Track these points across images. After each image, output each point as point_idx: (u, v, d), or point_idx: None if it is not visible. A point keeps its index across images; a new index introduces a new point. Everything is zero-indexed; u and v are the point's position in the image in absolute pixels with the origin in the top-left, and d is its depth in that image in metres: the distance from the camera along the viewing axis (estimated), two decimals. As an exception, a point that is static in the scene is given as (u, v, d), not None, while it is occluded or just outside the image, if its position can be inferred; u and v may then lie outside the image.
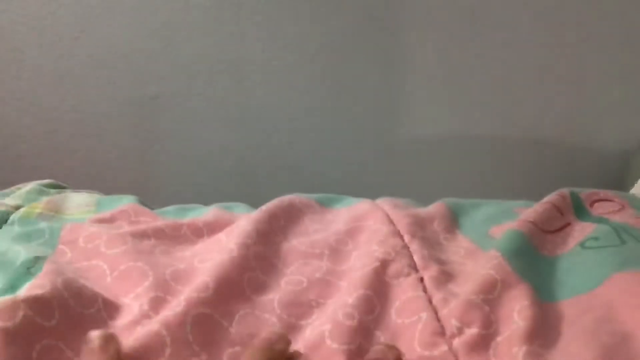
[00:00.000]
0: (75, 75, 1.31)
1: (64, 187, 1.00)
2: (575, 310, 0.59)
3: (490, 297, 0.60)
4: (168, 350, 0.53)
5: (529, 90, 1.33)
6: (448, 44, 1.30)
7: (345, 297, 0.63)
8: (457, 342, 0.56)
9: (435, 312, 0.60)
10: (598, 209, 0.84)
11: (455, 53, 1.31)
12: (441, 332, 0.57)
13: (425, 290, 0.64)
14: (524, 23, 1.29)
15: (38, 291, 0.55)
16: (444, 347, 0.55)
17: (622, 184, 1.35)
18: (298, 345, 0.57)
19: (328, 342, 0.56)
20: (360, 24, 1.30)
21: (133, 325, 0.58)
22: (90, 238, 0.73)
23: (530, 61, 1.31)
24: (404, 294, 0.64)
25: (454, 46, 1.31)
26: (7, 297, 0.53)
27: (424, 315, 0.59)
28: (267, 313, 0.62)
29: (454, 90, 1.34)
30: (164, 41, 1.30)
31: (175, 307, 0.58)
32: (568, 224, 0.79)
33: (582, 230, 0.76)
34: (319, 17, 1.29)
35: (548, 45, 1.30)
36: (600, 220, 0.78)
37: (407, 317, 0.60)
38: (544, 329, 0.56)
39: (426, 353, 0.55)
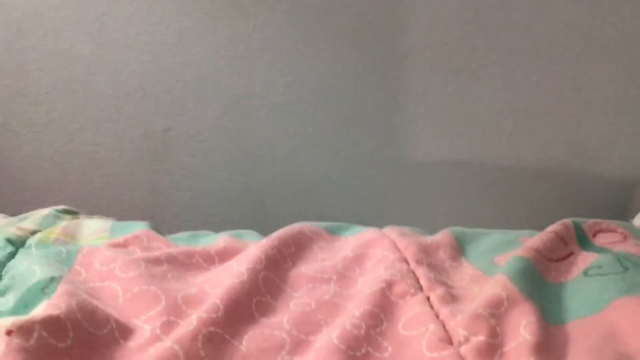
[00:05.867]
0: (89, 110, 1.36)
1: (77, 213, 1.02)
2: (580, 332, 0.60)
3: (497, 311, 0.62)
4: (182, 364, 0.54)
5: (533, 119, 1.36)
6: (452, 74, 1.34)
7: (352, 312, 0.65)
8: (464, 348, 0.57)
9: (443, 325, 0.61)
10: (601, 239, 0.85)
11: (460, 84, 1.34)
12: (449, 340, 0.59)
13: (431, 307, 0.66)
14: (527, 55, 1.33)
15: (53, 312, 0.56)
16: (452, 351, 0.57)
17: (625, 212, 1.35)
18: (308, 356, 0.58)
19: (335, 342, 0.58)
20: (364, 58, 1.34)
21: (145, 347, 0.59)
22: (105, 261, 0.75)
23: (533, 91, 1.35)
24: (411, 310, 0.65)
25: (460, 77, 1.34)
26: (23, 317, 0.54)
27: (431, 326, 0.61)
28: (276, 330, 0.63)
29: (459, 120, 1.36)
30: (176, 77, 1.35)
31: (187, 325, 0.59)
32: (572, 253, 0.80)
33: (585, 260, 0.77)
34: (323, 52, 1.34)
35: (551, 75, 1.33)
36: (603, 250, 0.80)
37: (415, 329, 0.62)
38: (550, 346, 0.58)
39: (435, 355, 0.57)
